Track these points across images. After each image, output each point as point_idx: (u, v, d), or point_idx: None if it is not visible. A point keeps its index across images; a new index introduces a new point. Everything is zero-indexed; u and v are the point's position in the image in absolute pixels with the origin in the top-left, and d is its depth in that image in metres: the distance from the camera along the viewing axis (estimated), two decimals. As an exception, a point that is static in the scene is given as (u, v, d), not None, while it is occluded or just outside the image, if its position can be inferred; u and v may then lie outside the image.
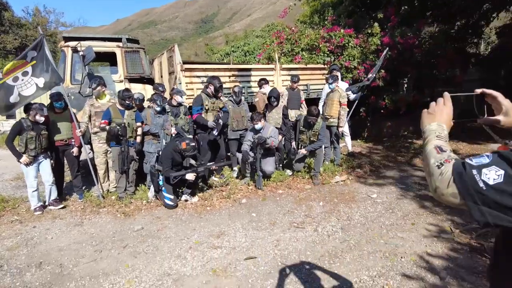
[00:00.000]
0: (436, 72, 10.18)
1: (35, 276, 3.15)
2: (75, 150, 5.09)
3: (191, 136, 5.31)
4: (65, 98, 4.88)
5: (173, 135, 5.27)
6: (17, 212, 4.75)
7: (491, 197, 0.85)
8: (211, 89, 5.59)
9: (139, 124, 5.12)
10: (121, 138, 4.83)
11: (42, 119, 4.55)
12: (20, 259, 3.47)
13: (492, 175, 0.87)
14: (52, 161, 4.91)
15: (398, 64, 8.67)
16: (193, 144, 4.74)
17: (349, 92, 7.23)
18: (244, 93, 6.44)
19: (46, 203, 4.90)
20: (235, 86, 6.09)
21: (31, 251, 3.65)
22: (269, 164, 5.55)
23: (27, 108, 4.59)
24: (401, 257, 3.28)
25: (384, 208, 4.59)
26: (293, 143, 5.82)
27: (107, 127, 4.83)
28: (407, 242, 3.61)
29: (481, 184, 0.87)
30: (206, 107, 5.55)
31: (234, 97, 5.91)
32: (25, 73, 4.30)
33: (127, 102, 4.98)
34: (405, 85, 9.60)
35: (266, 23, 25.78)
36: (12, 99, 4.29)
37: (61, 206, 4.87)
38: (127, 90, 5.08)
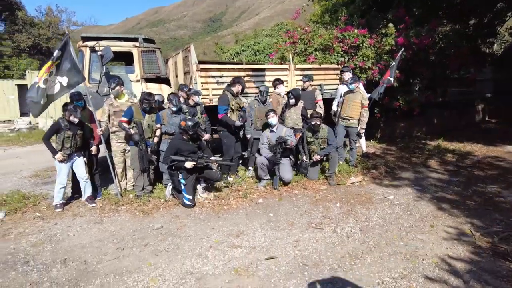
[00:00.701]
0: (449, 72, 10.10)
1: (61, 272, 3.22)
2: (93, 148, 5.18)
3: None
4: (88, 98, 4.95)
5: None
6: (38, 209, 4.84)
7: None
8: (238, 88, 5.71)
9: (158, 125, 5.18)
10: (139, 142, 4.89)
11: (76, 120, 4.68)
12: (45, 255, 3.54)
13: None
14: (85, 159, 5.01)
15: (413, 65, 8.61)
16: (190, 117, 4.95)
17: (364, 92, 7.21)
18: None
19: (82, 199, 5.04)
20: (261, 86, 6.15)
21: (55, 247, 3.73)
22: (287, 172, 5.51)
23: (64, 109, 4.79)
24: (422, 259, 3.28)
25: (401, 210, 4.58)
26: (304, 157, 5.77)
27: (131, 131, 4.87)
28: (427, 244, 3.60)
29: None
30: (232, 107, 5.66)
31: (260, 97, 5.94)
32: (51, 73, 4.40)
33: (143, 105, 5.01)
34: (418, 86, 9.54)
35: (275, 22, 25.69)
36: (41, 100, 4.40)
37: (94, 204, 4.96)
38: (149, 94, 5.07)
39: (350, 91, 6.37)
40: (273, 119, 5.53)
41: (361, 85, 7.14)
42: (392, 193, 5.19)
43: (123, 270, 3.24)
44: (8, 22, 28.83)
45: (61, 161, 4.72)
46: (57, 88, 4.43)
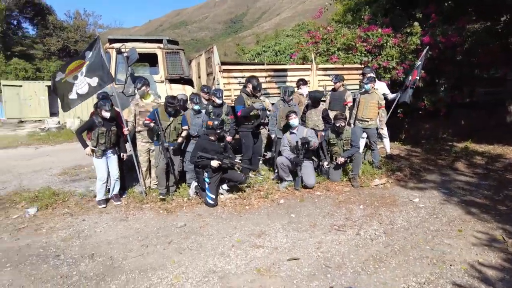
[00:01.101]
0: (477, 72, 9.71)
1: (89, 267, 3.33)
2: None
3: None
4: (115, 98, 5.07)
5: None
6: (67, 205, 5.02)
7: None
8: (249, 87, 5.76)
9: (185, 127, 5.22)
10: (159, 133, 4.92)
11: (107, 114, 4.80)
12: (74, 250, 3.68)
13: None
14: (124, 155, 5.16)
15: (439, 63, 8.36)
16: (214, 117, 5.09)
17: (388, 92, 7.06)
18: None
19: (109, 196, 5.16)
20: (287, 86, 6.15)
21: (83, 242, 3.86)
22: (310, 176, 5.42)
23: (95, 107, 4.98)
24: (450, 265, 3.18)
25: (427, 213, 4.45)
26: (325, 163, 5.69)
27: (151, 124, 4.94)
28: (455, 249, 3.48)
29: None
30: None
31: (284, 96, 5.94)
32: (81, 73, 4.57)
33: (169, 109, 5.02)
34: (444, 85, 9.23)
35: (296, 23, 25.57)
36: (71, 95, 4.60)
37: (120, 202, 5.08)
38: (172, 97, 5.12)
39: (366, 92, 6.26)
40: (294, 120, 5.50)
41: (384, 85, 7.02)
42: (417, 196, 5.05)
43: (147, 266, 3.32)
44: (39, 26, 30.22)
45: (90, 155, 4.87)
46: (85, 88, 4.58)
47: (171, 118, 5.10)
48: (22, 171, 7.24)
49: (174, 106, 5.04)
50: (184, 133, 5.23)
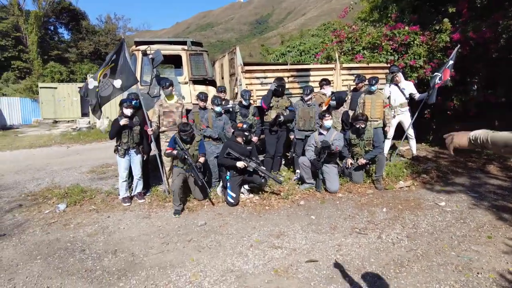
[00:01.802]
0: (514, 70, 9.16)
1: (112, 262, 3.45)
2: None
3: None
4: (140, 99, 5.22)
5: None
6: (94, 202, 5.23)
7: None
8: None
9: (201, 154, 5.00)
10: (185, 157, 4.76)
11: (129, 112, 4.93)
12: (98, 245, 3.82)
13: None
14: (157, 149, 5.28)
15: (470, 61, 7.97)
16: (244, 121, 5.13)
17: (415, 92, 6.83)
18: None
19: (132, 195, 5.29)
20: (306, 86, 6.14)
21: (107, 238, 4.00)
22: (333, 182, 5.29)
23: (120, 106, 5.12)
24: (477, 273, 3.03)
25: (454, 218, 4.27)
26: (349, 161, 5.54)
27: (174, 152, 4.84)
28: (484, 257, 3.31)
29: None
30: (271, 105, 5.82)
31: (303, 95, 5.92)
32: (104, 75, 4.74)
33: (184, 137, 4.87)
34: (476, 85, 8.78)
35: (322, 22, 25.26)
36: (94, 101, 4.77)
37: (143, 200, 5.22)
38: (185, 125, 4.92)
39: (371, 93, 6.12)
40: (328, 122, 5.40)
41: (411, 84, 6.80)
42: (443, 199, 4.85)
43: (167, 264, 3.39)
44: (73, 31, 31.71)
45: (117, 155, 5.01)
46: (109, 90, 4.74)
47: (188, 145, 4.94)
48: (55, 169, 7.61)
49: (188, 134, 4.85)
50: (201, 159, 4.94)
